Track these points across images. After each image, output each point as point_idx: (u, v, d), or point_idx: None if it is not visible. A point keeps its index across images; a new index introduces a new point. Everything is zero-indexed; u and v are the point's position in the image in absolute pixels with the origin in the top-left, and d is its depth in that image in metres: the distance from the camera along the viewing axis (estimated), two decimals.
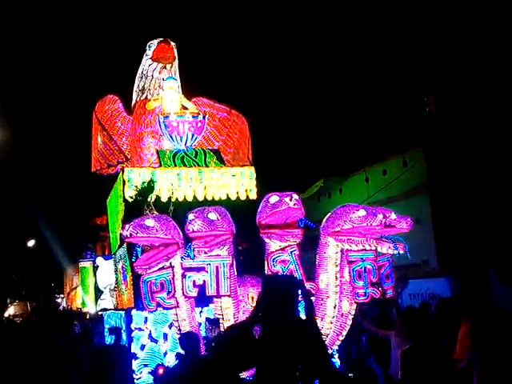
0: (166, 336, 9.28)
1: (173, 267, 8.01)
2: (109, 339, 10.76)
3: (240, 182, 11.71)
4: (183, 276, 7.79)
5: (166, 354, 9.22)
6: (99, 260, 18.89)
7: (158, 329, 9.28)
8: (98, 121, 12.82)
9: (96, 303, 19.71)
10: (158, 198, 11.12)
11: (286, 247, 7.98)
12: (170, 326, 9.28)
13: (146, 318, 9.28)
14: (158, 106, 12.64)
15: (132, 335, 9.20)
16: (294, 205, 7.70)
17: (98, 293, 19.42)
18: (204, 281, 7.78)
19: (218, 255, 7.80)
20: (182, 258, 7.85)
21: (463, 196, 17.13)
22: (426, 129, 18.59)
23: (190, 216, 7.64)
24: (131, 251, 10.71)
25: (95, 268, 20.25)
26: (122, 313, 10.29)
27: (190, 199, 11.08)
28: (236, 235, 8.03)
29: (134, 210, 10.94)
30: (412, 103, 20.19)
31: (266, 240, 8.01)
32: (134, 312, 9.29)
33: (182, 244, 7.98)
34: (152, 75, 12.93)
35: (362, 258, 8.02)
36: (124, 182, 11.21)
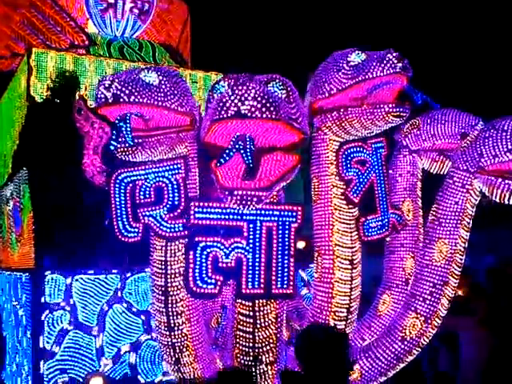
0: (103, 321, 5.05)
1: (186, 159, 3.90)
2: None
3: (203, 92, 7.69)
4: (193, 247, 3.58)
5: (101, 352, 4.99)
6: None
7: (90, 306, 5.03)
8: None
9: None
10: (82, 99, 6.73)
11: (369, 140, 4.02)
12: (110, 306, 5.09)
13: (70, 285, 4.99)
14: None
15: (43, 317, 4.85)
16: (405, 69, 3.67)
17: None
18: (239, 258, 3.62)
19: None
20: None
21: None
22: None
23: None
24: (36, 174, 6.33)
25: None
26: (16, 275, 5.86)
27: None
28: None
29: (45, 113, 6.54)
30: None
31: (328, 127, 3.91)
32: (50, 276, 4.94)
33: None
34: None
35: None
36: (30, 69, 6.68)
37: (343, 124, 3.82)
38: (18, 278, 5.72)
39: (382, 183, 4.05)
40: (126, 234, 3.82)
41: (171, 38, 8.91)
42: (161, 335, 3.98)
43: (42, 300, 4.87)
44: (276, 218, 3.64)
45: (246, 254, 3.57)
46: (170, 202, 3.78)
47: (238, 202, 3.46)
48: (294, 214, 3.67)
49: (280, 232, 3.63)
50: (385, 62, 3.60)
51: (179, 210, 3.78)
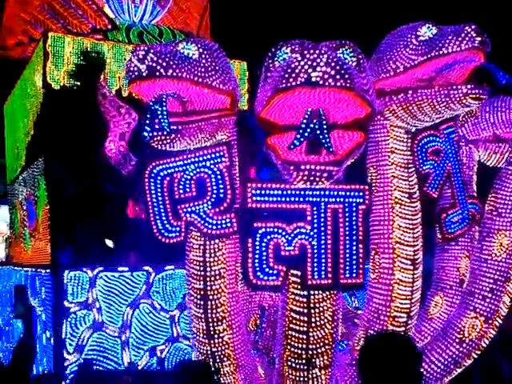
0: (129, 321, 4.64)
1: (228, 146, 3.44)
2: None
3: None
4: (251, 234, 3.19)
5: (127, 354, 4.59)
6: None
7: (115, 306, 4.62)
8: None
9: None
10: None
11: (442, 125, 3.61)
12: (137, 305, 4.68)
13: (93, 282, 4.58)
14: None
15: (67, 318, 4.45)
16: (484, 44, 3.18)
17: None
18: (302, 245, 3.21)
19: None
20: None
21: None
22: None
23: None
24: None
25: None
26: (34, 271, 5.44)
27: None
28: None
29: (65, 98, 6.11)
30: None
31: (392, 111, 3.46)
32: (73, 273, 4.53)
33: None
34: None
35: None
36: (47, 55, 6.25)
37: (410, 107, 3.39)
38: (29, 275, 5.29)
39: (457, 173, 3.67)
40: (166, 234, 3.36)
41: (188, 25, 8.54)
42: (199, 343, 3.55)
43: (64, 301, 4.47)
44: (342, 199, 3.22)
45: (310, 240, 3.15)
46: (214, 196, 3.34)
47: (306, 177, 3.03)
48: (361, 194, 3.26)
49: (347, 214, 3.22)
50: (462, 35, 3.17)
51: (225, 204, 3.35)
